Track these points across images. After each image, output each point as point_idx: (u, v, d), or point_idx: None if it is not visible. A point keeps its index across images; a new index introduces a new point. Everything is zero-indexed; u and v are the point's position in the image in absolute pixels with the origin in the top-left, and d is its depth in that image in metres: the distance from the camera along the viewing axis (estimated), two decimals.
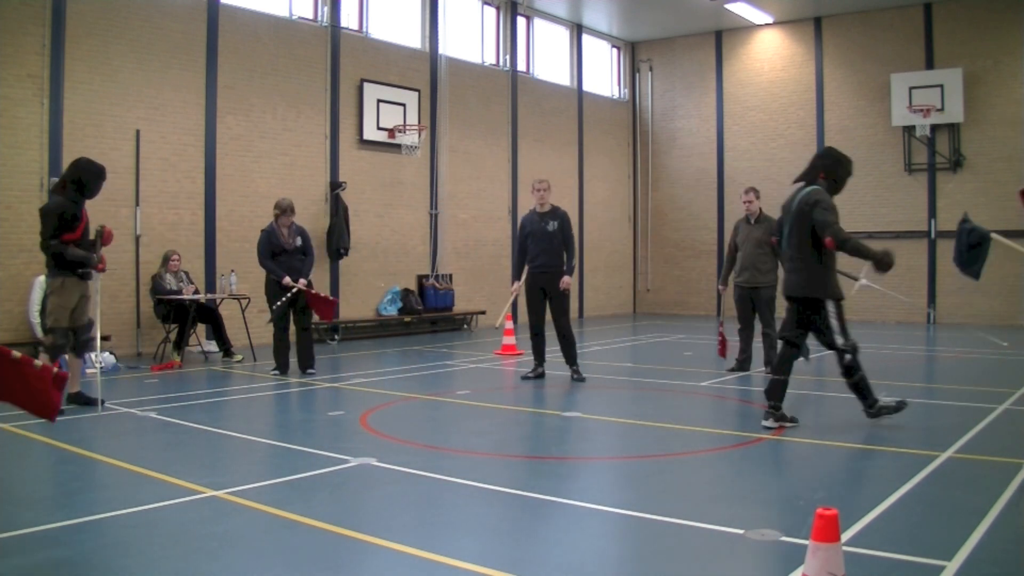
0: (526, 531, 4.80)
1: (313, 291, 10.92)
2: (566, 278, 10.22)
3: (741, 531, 4.63)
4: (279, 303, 10.52)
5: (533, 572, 4.12)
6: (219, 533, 4.70)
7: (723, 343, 11.61)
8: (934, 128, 18.88)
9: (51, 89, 11.81)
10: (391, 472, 6.02)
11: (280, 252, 10.59)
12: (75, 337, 8.36)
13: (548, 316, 10.39)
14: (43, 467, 6.49)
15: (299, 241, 10.76)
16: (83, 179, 8.15)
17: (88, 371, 10.78)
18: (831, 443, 6.91)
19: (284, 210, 10.64)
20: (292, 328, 10.88)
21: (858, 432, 7.39)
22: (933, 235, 19.14)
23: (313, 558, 4.33)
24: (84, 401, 8.44)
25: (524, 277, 10.47)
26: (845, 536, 4.38)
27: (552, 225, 10.25)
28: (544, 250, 10.25)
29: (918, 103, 18.68)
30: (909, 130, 19.18)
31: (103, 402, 8.46)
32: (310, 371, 10.79)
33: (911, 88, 18.84)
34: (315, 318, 11.62)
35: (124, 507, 5.10)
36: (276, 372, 10.81)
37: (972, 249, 7.46)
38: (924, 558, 4.21)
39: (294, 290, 10.53)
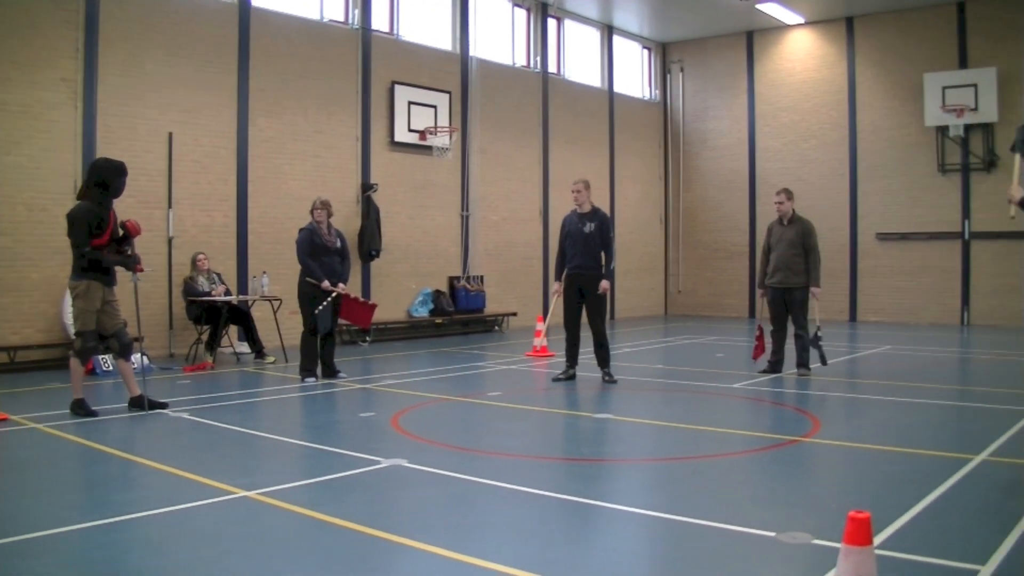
0: (558, 533, 4.79)
1: (352, 296, 10.82)
2: (604, 282, 10.14)
3: (773, 534, 4.60)
4: (320, 307, 10.26)
5: (565, 574, 4.11)
6: (252, 533, 4.74)
7: (759, 347, 11.25)
8: (968, 128, 18.65)
9: (85, 92, 11.95)
10: (422, 473, 6.03)
11: (322, 251, 10.33)
12: (117, 341, 8.25)
13: (584, 318, 10.36)
14: (77, 467, 6.56)
15: (339, 243, 10.56)
16: (105, 179, 7.98)
17: None
18: (863, 445, 6.85)
19: (318, 205, 10.35)
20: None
21: (891, 435, 7.33)
22: (967, 236, 18.89)
23: (345, 559, 4.35)
24: (152, 405, 8.34)
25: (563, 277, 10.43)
26: (877, 539, 4.34)
27: (589, 227, 10.19)
28: (580, 251, 10.19)
29: (951, 103, 18.46)
30: (942, 130, 18.96)
31: (152, 404, 8.42)
32: (340, 375, 10.76)
33: (944, 88, 18.62)
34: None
35: (157, 507, 5.15)
36: (310, 379, 10.39)
37: None
38: (958, 562, 4.16)
39: (333, 294, 10.38)
